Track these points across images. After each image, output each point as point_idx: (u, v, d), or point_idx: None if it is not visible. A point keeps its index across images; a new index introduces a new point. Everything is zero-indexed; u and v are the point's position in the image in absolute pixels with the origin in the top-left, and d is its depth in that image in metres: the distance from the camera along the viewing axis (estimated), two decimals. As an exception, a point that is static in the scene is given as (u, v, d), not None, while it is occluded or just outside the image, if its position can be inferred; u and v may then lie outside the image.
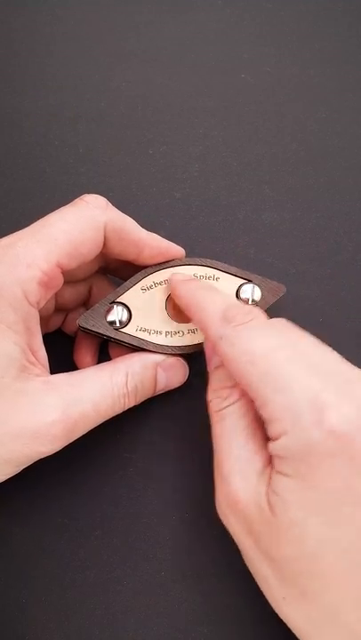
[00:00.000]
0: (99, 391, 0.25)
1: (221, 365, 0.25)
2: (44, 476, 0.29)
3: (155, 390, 0.28)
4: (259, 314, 0.23)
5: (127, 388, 0.26)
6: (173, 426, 0.30)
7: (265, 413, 0.21)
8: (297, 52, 0.36)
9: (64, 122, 0.35)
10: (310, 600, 0.20)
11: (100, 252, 0.26)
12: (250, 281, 0.28)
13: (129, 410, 0.27)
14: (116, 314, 0.27)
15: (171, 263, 0.28)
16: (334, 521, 0.19)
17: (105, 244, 0.26)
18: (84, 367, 0.29)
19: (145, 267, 0.28)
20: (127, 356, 0.27)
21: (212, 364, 0.25)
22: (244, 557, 0.23)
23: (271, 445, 0.21)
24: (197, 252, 0.32)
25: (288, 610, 0.21)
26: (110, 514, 0.29)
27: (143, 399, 0.27)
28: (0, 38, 0.37)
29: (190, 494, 0.29)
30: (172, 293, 0.27)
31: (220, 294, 0.25)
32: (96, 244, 0.25)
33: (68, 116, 0.35)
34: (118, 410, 0.26)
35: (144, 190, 0.34)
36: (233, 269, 0.28)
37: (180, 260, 0.28)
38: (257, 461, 0.22)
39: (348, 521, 0.19)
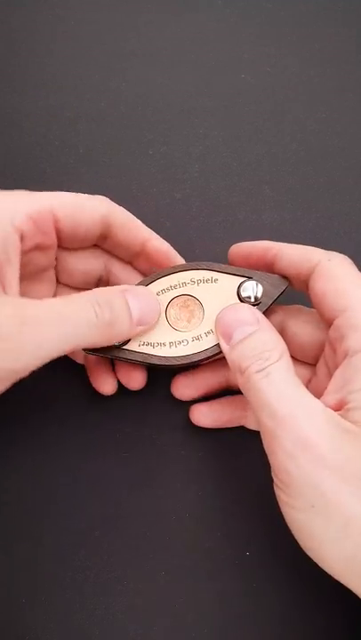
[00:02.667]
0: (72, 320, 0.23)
1: (251, 335, 0.24)
2: (44, 476, 0.29)
3: (131, 320, 0.25)
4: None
5: (102, 315, 0.24)
6: (173, 425, 0.30)
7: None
8: (297, 51, 0.36)
9: (64, 122, 0.35)
10: None
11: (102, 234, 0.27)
12: (250, 278, 0.27)
13: (129, 409, 0.27)
14: None
15: (166, 270, 0.27)
16: None
17: (110, 234, 0.26)
18: (106, 392, 0.29)
19: (143, 269, 0.27)
20: (93, 289, 0.25)
21: (234, 337, 0.24)
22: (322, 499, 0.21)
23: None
24: (198, 252, 0.32)
25: None
26: (110, 514, 0.29)
27: (122, 330, 0.25)
28: (0, 38, 0.37)
29: (190, 494, 0.29)
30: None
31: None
32: (97, 214, 0.26)
33: (68, 116, 0.35)
34: (98, 335, 0.24)
35: (144, 191, 0.34)
36: (231, 269, 0.27)
37: (177, 266, 0.27)
38: (317, 402, 0.22)
39: None
